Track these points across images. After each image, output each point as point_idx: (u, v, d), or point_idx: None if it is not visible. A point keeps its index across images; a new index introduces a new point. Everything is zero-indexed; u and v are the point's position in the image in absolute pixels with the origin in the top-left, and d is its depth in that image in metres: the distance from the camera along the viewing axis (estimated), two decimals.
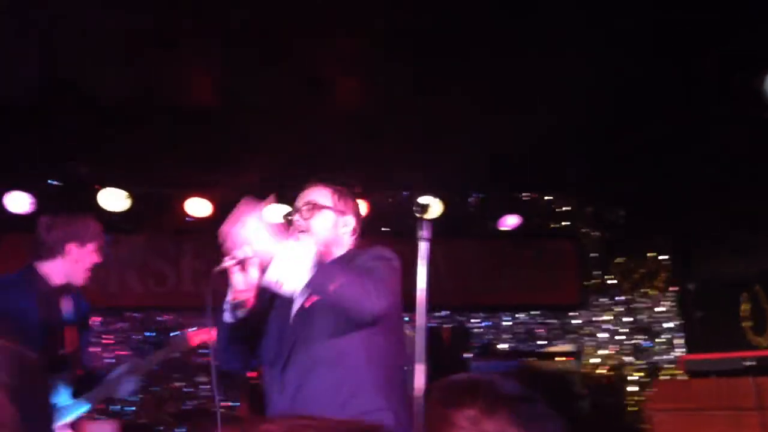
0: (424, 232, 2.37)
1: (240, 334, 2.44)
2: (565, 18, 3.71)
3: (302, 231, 2.47)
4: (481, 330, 6.76)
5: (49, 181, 5.61)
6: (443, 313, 6.63)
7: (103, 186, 5.61)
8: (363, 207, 5.94)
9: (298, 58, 4.10)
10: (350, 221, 2.58)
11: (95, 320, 5.85)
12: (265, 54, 4.05)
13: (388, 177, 5.73)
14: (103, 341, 6.15)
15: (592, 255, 6.70)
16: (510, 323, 6.82)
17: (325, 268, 2.29)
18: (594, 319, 6.68)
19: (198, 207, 5.83)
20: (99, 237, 3.21)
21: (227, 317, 2.42)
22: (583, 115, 4.66)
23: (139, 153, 5.16)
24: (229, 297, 2.38)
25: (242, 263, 2.29)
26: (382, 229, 6.17)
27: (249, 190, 5.60)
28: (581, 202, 6.52)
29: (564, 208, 6.56)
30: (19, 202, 5.48)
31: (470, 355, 6.03)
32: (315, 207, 2.51)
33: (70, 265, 3.12)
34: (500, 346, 6.69)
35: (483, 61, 4.11)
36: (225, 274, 2.31)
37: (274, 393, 2.40)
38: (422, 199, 5.96)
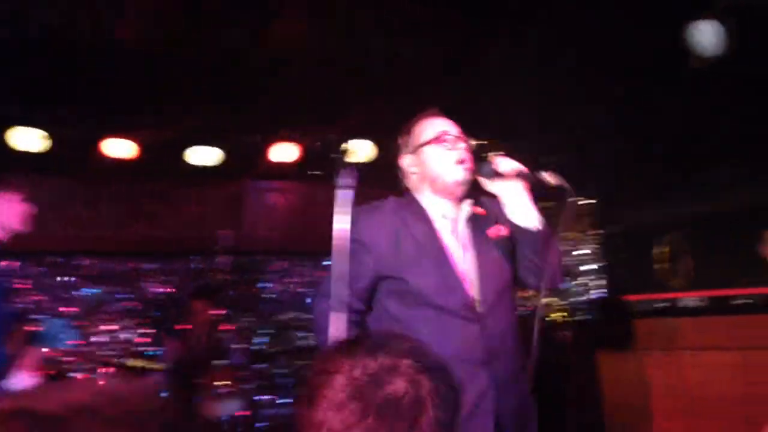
0: (343, 179, 2.29)
1: None
2: None
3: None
4: None
5: None
6: None
7: (18, 125, 5.29)
8: (296, 151, 5.86)
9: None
10: None
11: (13, 264, 5.66)
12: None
13: (322, 120, 5.60)
14: (21, 286, 5.95)
15: None
16: None
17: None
18: None
19: (120, 148, 5.61)
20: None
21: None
22: None
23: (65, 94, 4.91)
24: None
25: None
26: (315, 172, 6.11)
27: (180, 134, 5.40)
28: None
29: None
30: None
31: None
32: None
33: None
34: None
35: None
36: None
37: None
38: (350, 143, 5.80)
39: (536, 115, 5.18)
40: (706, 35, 3.96)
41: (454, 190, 2.43)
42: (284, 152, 5.87)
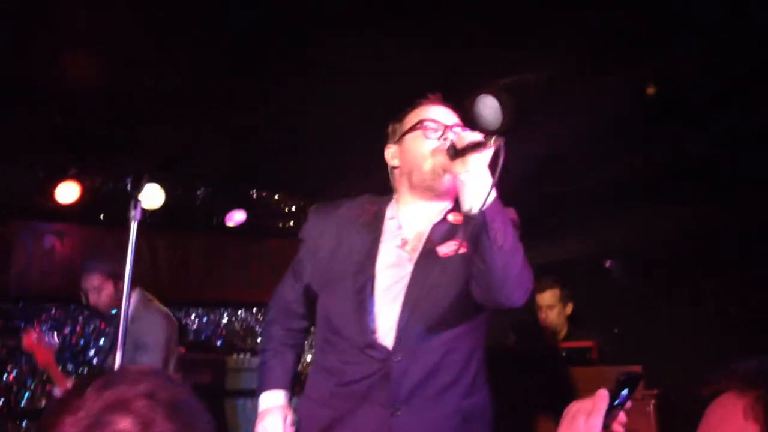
0: (135, 213, 2.24)
1: None
2: None
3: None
4: (200, 326, 6.57)
5: None
6: None
7: None
8: (77, 191, 5.45)
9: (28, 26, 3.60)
10: None
11: None
12: None
13: (110, 162, 5.28)
14: None
15: None
16: (229, 320, 6.70)
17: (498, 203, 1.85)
18: None
19: None
20: None
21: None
22: None
23: None
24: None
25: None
26: (100, 216, 5.78)
27: None
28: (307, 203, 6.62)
29: (292, 207, 6.61)
30: None
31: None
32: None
33: None
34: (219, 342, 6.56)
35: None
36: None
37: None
38: (146, 187, 5.57)
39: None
40: (489, 109, 4.27)
41: (432, 185, 2.05)
42: (64, 192, 5.42)
